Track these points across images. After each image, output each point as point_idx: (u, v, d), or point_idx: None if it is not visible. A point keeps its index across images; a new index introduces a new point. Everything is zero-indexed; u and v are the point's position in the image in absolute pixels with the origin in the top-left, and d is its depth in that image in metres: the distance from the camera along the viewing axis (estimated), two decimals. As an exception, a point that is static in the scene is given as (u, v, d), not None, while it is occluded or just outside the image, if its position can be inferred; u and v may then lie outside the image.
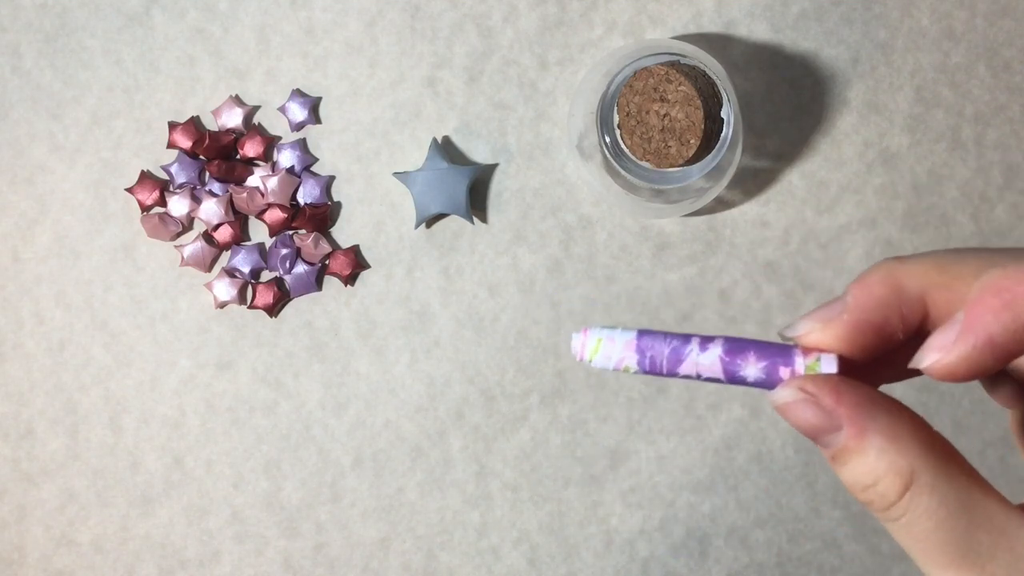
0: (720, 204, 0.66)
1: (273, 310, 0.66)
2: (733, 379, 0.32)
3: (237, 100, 0.66)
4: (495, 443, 0.66)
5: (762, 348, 0.32)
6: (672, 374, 0.33)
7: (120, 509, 0.67)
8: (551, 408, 0.66)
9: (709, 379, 0.32)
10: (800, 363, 0.31)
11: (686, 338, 0.32)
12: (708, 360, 0.32)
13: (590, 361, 0.33)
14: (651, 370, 0.32)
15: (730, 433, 0.66)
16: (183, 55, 0.67)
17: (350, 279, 0.66)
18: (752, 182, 0.67)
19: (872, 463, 0.30)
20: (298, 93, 0.66)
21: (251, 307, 0.66)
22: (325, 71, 0.67)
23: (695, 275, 0.66)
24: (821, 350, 0.31)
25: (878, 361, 0.33)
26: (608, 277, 0.66)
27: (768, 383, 0.32)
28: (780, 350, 0.32)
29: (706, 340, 0.32)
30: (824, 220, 0.66)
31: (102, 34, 0.67)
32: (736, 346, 0.32)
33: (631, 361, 0.32)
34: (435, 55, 0.67)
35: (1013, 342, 0.29)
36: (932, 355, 0.30)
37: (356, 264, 0.66)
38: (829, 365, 0.31)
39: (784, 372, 0.32)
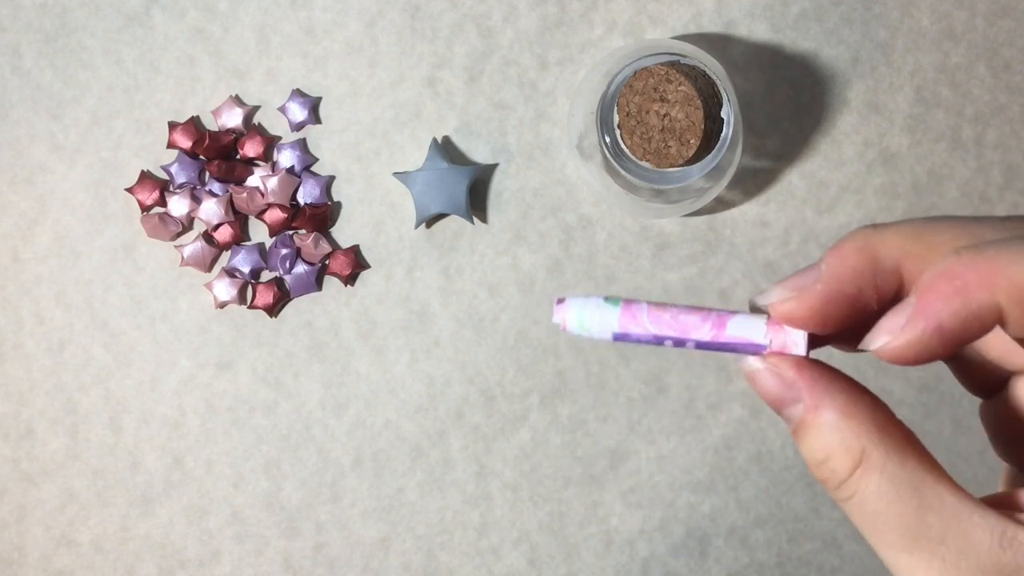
0: (720, 204, 0.66)
1: (273, 310, 0.66)
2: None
3: (237, 100, 0.67)
4: (495, 443, 0.66)
5: (735, 350, 0.32)
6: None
7: (120, 509, 0.67)
8: (551, 408, 0.66)
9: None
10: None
11: (659, 342, 0.33)
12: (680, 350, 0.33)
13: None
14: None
15: (730, 433, 0.66)
16: (183, 55, 0.67)
17: (350, 279, 0.66)
18: (752, 182, 0.67)
19: (825, 438, 0.30)
20: (298, 93, 0.66)
21: (251, 307, 0.66)
22: (325, 71, 0.67)
23: (695, 275, 0.66)
24: (791, 324, 0.32)
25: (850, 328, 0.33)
26: (608, 277, 0.66)
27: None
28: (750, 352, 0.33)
29: (678, 344, 0.33)
30: (824, 220, 0.66)
31: (102, 34, 0.67)
32: (707, 347, 0.33)
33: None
34: (435, 55, 0.67)
35: (962, 329, 0.29)
36: (882, 338, 0.30)
37: (356, 264, 0.66)
38: (798, 349, 0.32)
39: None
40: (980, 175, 0.67)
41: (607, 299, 0.33)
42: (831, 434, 0.30)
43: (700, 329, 0.32)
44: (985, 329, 0.29)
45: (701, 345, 0.32)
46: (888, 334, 0.30)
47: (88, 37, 0.67)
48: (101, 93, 0.67)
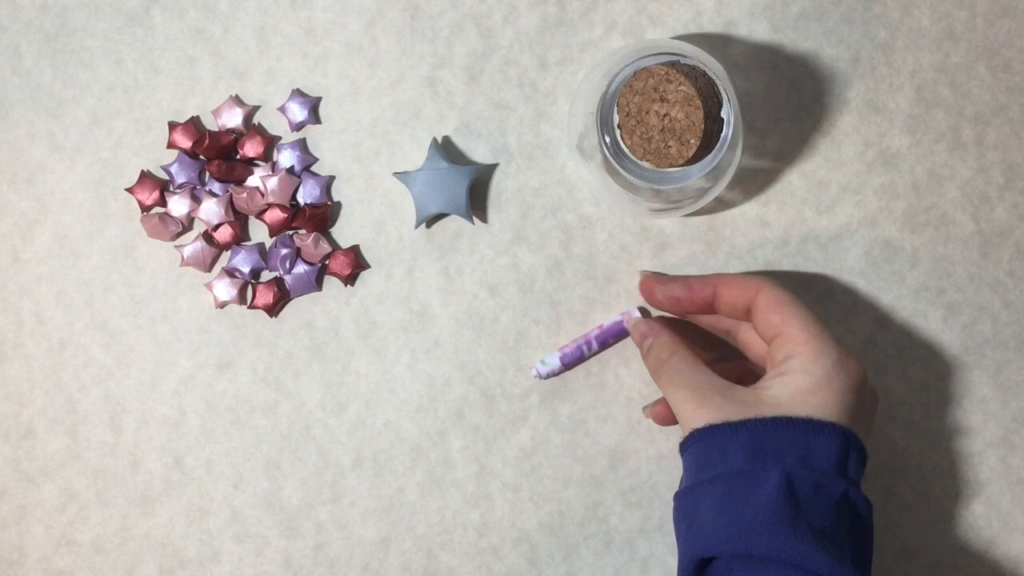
0: (720, 204, 0.66)
1: (273, 310, 0.66)
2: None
3: (237, 100, 0.67)
4: (495, 443, 0.66)
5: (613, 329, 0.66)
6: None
7: (120, 509, 0.67)
8: (551, 408, 0.66)
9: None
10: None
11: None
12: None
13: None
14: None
15: (730, 433, 0.66)
16: (183, 55, 0.67)
17: (350, 279, 0.66)
18: (752, 182, 0.67)
19: (662, 342, 0.62)
20: (298, 93, 0.66)
21: (251, 307, 0.66)
22: (325, 71, 0.67)
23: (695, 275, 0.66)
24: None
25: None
26: (608, 277, 0.66)
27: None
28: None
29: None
30: (824, 220, 0.67)
31: (102, 34, 0.67)
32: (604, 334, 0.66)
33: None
34: (435, 55, 0.67)
35: (690, 300, 0.63)
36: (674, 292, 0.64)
37: (356, 264, 0.66)
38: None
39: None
40: (980, 175, 0.67)
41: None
42: (665, 342, 0.62)
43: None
44: (707, 302, 0.62)
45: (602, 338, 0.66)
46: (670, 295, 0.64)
47: (88, 37, 0.67)
48: (101, 93, 0.67)
